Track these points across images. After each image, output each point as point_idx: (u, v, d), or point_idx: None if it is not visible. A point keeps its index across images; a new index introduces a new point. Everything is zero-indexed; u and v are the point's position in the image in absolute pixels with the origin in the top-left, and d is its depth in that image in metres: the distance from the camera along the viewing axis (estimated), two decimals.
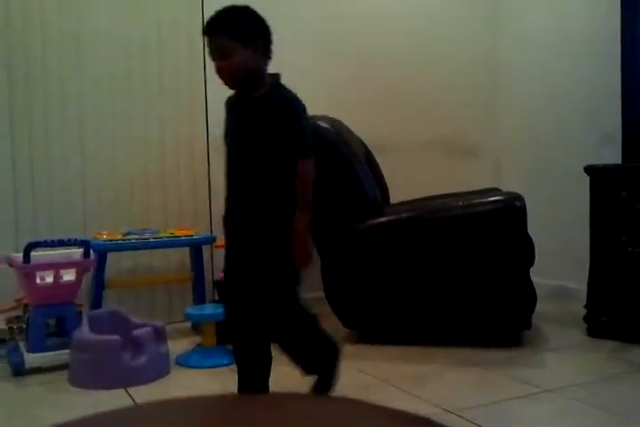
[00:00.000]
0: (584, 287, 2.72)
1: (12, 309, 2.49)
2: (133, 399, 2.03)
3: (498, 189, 3.17)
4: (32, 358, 2.28)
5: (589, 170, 2.68)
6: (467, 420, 1.78)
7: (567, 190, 3.34)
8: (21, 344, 2.38)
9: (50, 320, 2.38)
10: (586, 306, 2.70)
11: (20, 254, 2.31)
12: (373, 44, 3.49)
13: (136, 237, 2.69)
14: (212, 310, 2.46)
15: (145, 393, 2.07)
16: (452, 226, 2.50)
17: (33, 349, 2.30)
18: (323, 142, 2.56)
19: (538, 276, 2.68)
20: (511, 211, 2.45)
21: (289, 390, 1.72)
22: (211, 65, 1.66)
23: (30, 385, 2.20)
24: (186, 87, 3.01)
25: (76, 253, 2.48)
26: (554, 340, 2.64)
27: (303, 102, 1.68)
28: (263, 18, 1.67)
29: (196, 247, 2.85)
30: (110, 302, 2.68)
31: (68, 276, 2.38)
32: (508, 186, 3.16)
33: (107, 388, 2.10)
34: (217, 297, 2.77)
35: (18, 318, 2.49)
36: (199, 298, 2.84)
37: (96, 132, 2.86)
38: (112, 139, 2.89)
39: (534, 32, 3.63)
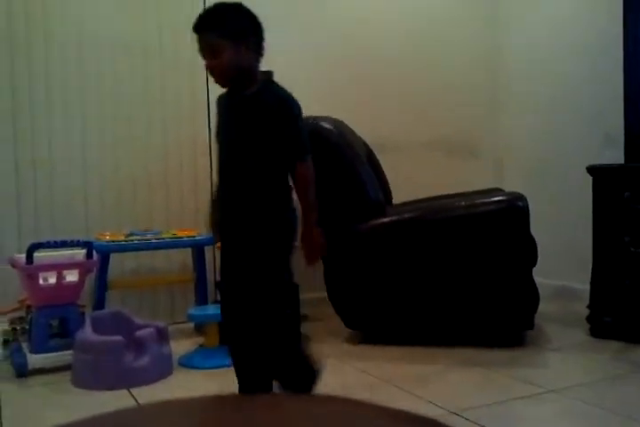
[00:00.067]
0: (587, 287, 2.71)
1: (15, 310, 2.50)
2: (136, 400, 2.03)
3: (500, 190, 3.17)
4: (35, 359, 2.29)
5: (592, 170, 2.68)
6: (470, 420, 1.78)
7: (570, 190, 3.34)
8: (24, 345, 2.38)
9: (53, 321, 2.38)
10: (588, 306, 2.70)
11: (23, 255, 2.32)
12: (374, 44, 3.49)
13: (138, 237, 2.69)
14: (214, 310, 2.45)
15: (147, 394, 2.07)
16: (454, 226, 2.50)
17: (36, 350, 2.30)
18: (325, 143, 2.57)
19: (540, 276, 2.67)
20: (514, 211, 2.45)
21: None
22: None
23: (33, 386, 2.20)
24: (187, 88, 3.02)
25: (79, 253, 2.48)
26: (556, 340, 2.64)
27: (297, 101, 1.65)
28: (255, 15, 1.64)
29: (198, 248, 2.85)
30: (113, 303, 2.69)
31: (71, 277, 2.38)
32: (511, 186, 3.15)
33: (109, 389, 2.10)
34: (219, 298, 2.77)
35: (21, 318, 2.49)
36: (201, 299, 2.84)
37: (98, 133, 2.87)
38: (114, 140, 2.90)
39: (535, 32, 3.63)
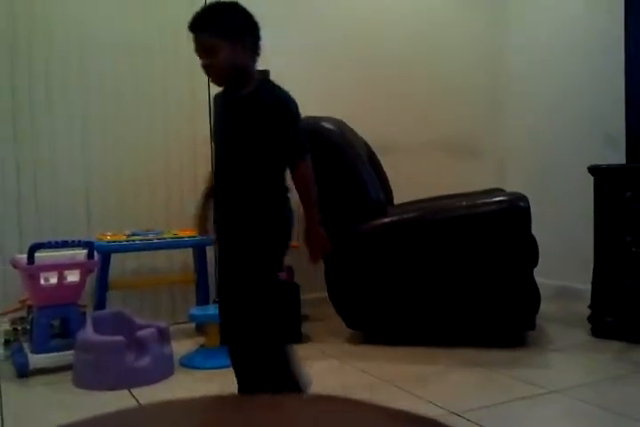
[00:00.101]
0: (588, 287, 2.71)
1: (17, 310, 2.50)
2: (137, 400, 2.03)
3: (501, 190, 3.17)
4: (36, 359, 2.29)
5: (593, 170, 2.68)
6: (470, 421, 1.77)
7: (571, 190, 3.33)
8: (25, 345, 2.38)
9: (54, 321, 2.38)
10: (590, 306, 2.69)
11: (24, 255, 2.32)
12: (375, 44, 3.48)
13: (140, 238, 2.69)
14: (215, 310, 2.44)
15: (149, 394, 2.07)
16: (455, 226, 2.50)
17: (37, 350, 2.30)
18: (327, 143, 2.57)
19: (542, 276, 2.67)
20: (515, 211, 2.45)
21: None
22: None
23: (34, 386, 2.20)
24: (189, 89, 3.02)
25: (80, 254, 2.49)
26: (558, 340, 2.63)
27: (294, 99, 1.64)
28: (251, 14, 1.63)
29: (199, 248, 2.85)
30: (114, 303, 2.69)
31: (72, 277, 2.38)
32: (512, 186, 3.15)
33: (110, 389, 2.10)
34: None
35: (22, 319, 2.49)
36: (203, 299, 2.84)
37: (100, 133, 2.87)
38: (116, 140, 2.90)
39: (537, 33, 3.62)
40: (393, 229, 2.56)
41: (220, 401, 0.58)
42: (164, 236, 2.74)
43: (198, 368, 2.34)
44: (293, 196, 1.70)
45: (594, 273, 2.68)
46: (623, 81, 3.06)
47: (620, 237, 2.57)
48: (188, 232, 2.81)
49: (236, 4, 1.64)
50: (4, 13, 2.67)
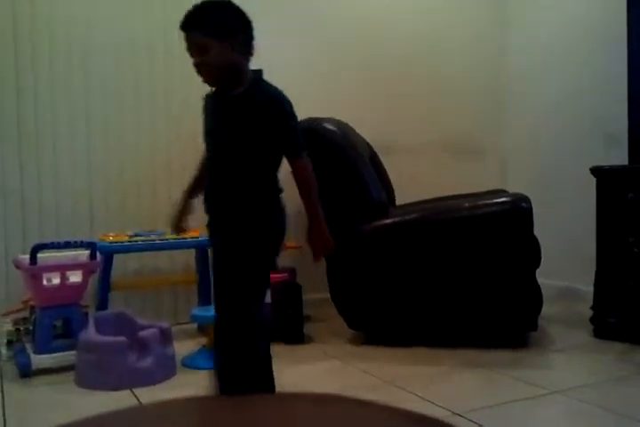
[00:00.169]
0: (590, 288, 2.71)
1: (19, 310, 2.50)
2: (139, 400, 2.03)
3: (504, 191, 3.17)
4: (39, 360, 2.29)
5: (596, 171, 2.67)
6: (473, 422, 1.77)
7: (573, 191, 3.33)
8: (28, 346, 2.38)
9: (56, 322, 2.38)
10: (592, 307, 2.69)
11: (27, 256, 2.32)
12: (376, 45, 3.48)
13: (142, 238, 2.69)
14: None
15: (151, 394, 2.07)
16: (458, 227, 2.50)
17: (39, 350, 2.31)
18: (328, 144, 2.57)
19: (544, 277, 2.67)
20: (517, 212, 2.45)
21: (298, 390, 1.72)
22: None
23: (37, 386, 2.21)
24: (191, 90, 3.00)
25: (83, 254, 2.49)
26: (560, 341, 2.63)
27: (288, 98, 1.63)
28: (244, 12, 1.62)
29: (201, 249, 2.86)
30: (116, 304, 2.69)
31: (75, 277, 2.39)
32: (514, 187, 3.15)
33: (113, 389, 2.11)
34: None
35: (24, 319, 2.49)
36: (205, 299, 2.84)
37: (102, 134, 2.87)
38: (118, 141, 2.90)
39: (537, 33, 3.62)
40: (395, 230, 2.56)
41: (221, 401, 0.58)
42: (167, 236, 2.74)
43: (200, 369, 2.34)
44: (293, 196, 1.71)
45: (596, 274, 2.67)
46: (625, 81, 3.06)
47: (622, 238, 2.57)
48: (191, 233, 2.81)
49: (229, 2, 1.62)
50: (8, 14, 2.67)
